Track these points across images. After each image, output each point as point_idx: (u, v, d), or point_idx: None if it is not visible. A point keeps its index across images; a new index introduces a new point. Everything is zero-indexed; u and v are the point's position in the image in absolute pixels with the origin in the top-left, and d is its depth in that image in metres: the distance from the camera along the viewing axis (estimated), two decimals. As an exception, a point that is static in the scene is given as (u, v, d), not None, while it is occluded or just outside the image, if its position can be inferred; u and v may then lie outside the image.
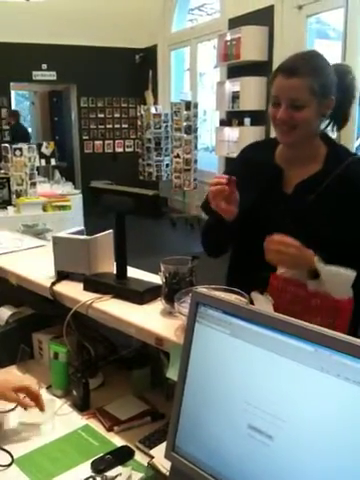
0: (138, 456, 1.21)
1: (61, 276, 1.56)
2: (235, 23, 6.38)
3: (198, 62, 8.07)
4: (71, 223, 3.84)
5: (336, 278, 1.29)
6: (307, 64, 1.39)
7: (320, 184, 1.43)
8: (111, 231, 1.57)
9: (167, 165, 7.92)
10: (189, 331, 0.96)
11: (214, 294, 0.97)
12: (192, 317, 0.95)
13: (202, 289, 1.03)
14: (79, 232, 1.64)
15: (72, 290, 1.50)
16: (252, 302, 1.26)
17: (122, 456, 1.20)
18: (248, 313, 0.87)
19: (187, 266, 1.33)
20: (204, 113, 10.58)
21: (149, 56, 8.75)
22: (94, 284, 1.47)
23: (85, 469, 1.16)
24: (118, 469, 1.16)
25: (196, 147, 7.32)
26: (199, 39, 7.77)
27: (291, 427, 0.82)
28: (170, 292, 1.31)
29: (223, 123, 6.82)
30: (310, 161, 1.48)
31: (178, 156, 7.23)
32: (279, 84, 1.39)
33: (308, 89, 1.37)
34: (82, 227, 1.70)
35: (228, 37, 6.31)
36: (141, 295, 1.39)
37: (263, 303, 1.25)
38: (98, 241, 1.55)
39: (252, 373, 0.87)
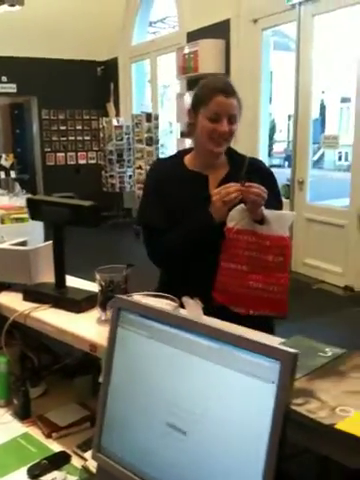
0: (75, 460, 1.24)
1: (2, 287, 1.58)
2: (193, 36, 6.50)
3: (159, 74, 8.16)
4: (30, 235, 3.84)
5: (281, 219, 1.64)
6: (234, 86, 1.68)
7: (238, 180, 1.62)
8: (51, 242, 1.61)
9: (130, 176, 7.97)
10: (111, 335, 1.00)
11: (133, 299, 1.01)
12: (114, 322, 1.00)
13: (124, 296, 1.07)
14: (21, 243, 1.67)
15: (12, 300, 1.53)
16: (183, 306, 1.32)
17: (58, 461, 1.23)
18: (162, 315, 0.93)
19: (122, 274, 1.37)
20: (170, 125, 10.67)
21: (110, 68, 8.80)
22: (33, 294, 1.50)
23: (21, 475, 1.19)
24: (53, 474, 1.19)
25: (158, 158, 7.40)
26: (159, 52, 7.87)
27: (202, 422, 0.87)
28: (105, 300, 1.35)
29: (184, 135, 6.91)
30: (221, 166, 1.77)
31: (140, 167, 7.29)
32: (221, 102, 1.63)
33: (239, 107, 1.68)
34: (25, 238, 1.73)
35: (186, 50, 6.42)
36: (78, 304, 1.43)
37: (193, 307, 1.31)
38: (39, 252, 1.58)
39: (168, 372, 0.92)
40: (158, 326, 0.93)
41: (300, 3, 5.11)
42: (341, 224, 4.94)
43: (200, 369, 0.87)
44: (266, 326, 1.64)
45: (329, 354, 1.09)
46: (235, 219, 1.63)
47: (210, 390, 0.86)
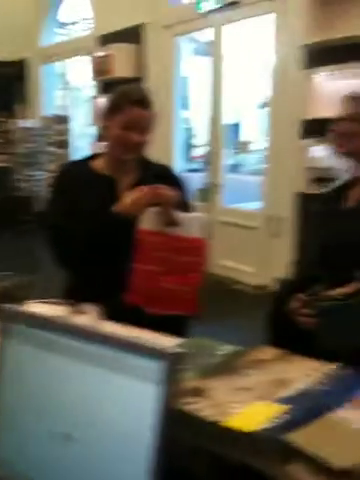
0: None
1: None
2: (107, 40, 6.46)
3: (72, 77, 8.04)
4: None
5: (193, 221, 1.69)
6: (151, 99, 1.72)
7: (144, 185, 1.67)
8: None
9: (42, 180, 7.77)
10: (-1, 346, 0.96)
11: (17, 307, 0.98)
12: (1, 333, 0.96)
13: (12, 306, 1.04)
14: None
15: None
16: (81, 312, 1.29)
17: None
18: (47, 323, 0.90)
19: (16, 283, 1.33)
20: (86, 127, 10.56)
21: (20, 70, 8.54)
22: None
23: None
24: None
25: (71, 162, 7.27)
26: (71, 54, 7.74)
27: (91, 427, 0.86)
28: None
29: (98, 138, 6.85)
30: (130, 171, 1.79)
31: (52, 171, 7.13)
32: (137, 113, 1.67)
33: (153, 119, 1.73)
34: None
35: (100, 53, 6.38)
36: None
37: (90, 312, 1.29)
38: None
39: (55, 380, 0.89)
40: (43, 334, 0.91)
41: (211, 11, 5.22)
42: (253, 226, 5.09)
43: (86, 375, 0.86)
44: (180, 327, 1.70)
45: (224, 352, 1.11)
46: (147, 221, 1.66)
47: (97, 395, 0.85)
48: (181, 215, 1.67)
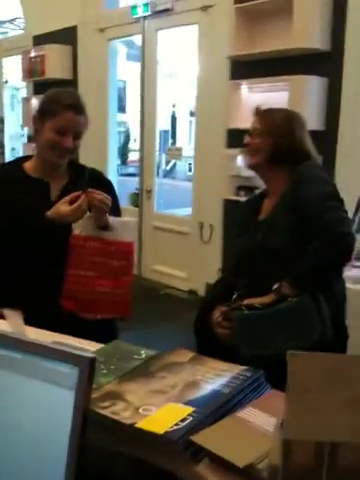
0: None
1: None
2: (40, 40, 6.36)
3: (9, 77, 7.83)
4: None
5: (125, 226, 1.73)
6: (84, 104, 1.73)
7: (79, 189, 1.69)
8: None
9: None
10: None
11: None
12: None
13: None
14: None
15: None
16: (3, 317, 1.29)
17: None
18: None
19: None
20: (22, 128, 10.32)
21: None
22: None
23: None
24: None
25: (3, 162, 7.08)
26: (5, 53, 7.56)
27: (5, 433, 0.86)
28: None
29: (31, 139, 6.72)
30: (61, 174, 1.80)
31: (-16, 172, 6.91)
32: (70, 118, 1.67)
33: (86, 124, 1.73)
34: None
35: (33, 54, 6.26)
36: None
37: (13, 318, 1.28)
38: None
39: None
40: None
41: (145, 17, 5.27)
42: (185, 231, 5.18)
43: (3, 381, 0.86)
44: (110, 330, 1.77)
45: (143, 356, 1.14)
46: (80, 226, 1.67)
47: (13, 401, 0.85)
48: (113, 219, 1.70)
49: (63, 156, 1.73)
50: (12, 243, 1.67)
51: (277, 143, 1.69)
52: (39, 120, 1.72)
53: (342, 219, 1.53)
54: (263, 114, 1.76)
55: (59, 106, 1.67)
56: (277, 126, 1.71)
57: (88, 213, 1.66)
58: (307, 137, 1.77)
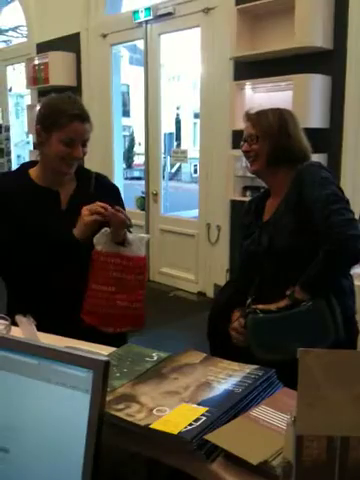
0: None
1: None
2: (43, 48, 6.40)
3: (14, 84, 7.89)
4: None
5: (140, 240, 1.77)
6: (87, 111, 1.72)
7: (87, 195, 1.76)
8: None
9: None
10: None
11: None
12: None
13: None
14: None
15: None
16: (16, 324, 1.31)
17: None
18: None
19: None
20: (27, 136, 10.40)
21: None
22: None
23: None
24: None
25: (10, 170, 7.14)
26: (8, 61, 7.62)
27: (24, 438, 0.88)
28: None
29: (35, 147, 6.76)
30: (69, 181, 1.80)
31: (-10, 180, 6.97)
32: (77, 129, 1.66)
33: (91, 129, 1.73)
34: None
35: (36, 61, 6.31)
36: None
37: (26, 324, 1.30)
38: None
39: (-13, 392, 0.91)
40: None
41: (147, 21, 5.30)
42: (192, 233, 5.19)
43: (20, 386, 0.88)
44: (123, 341, 1.72)
45: (155, 358, 1.15)
46: (101, 243, 1.71)
47: (30, 405, 0.87)
48: (129, 235, 1.74)
49: (72, 166, 1.73)
50: (24, 254, 1.68)
51: (275, 145, 1.69)
52: (44, 133, 1.68)
53: (348, 221, 1.52)
54: (256, 118, 1.74)
55: (64, 118, 1.64)
56: (272, 128, 1.70)
57: (108, 229, 1.70)
58: (302, 135, 1.76)
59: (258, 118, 1.74)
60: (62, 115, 1.65)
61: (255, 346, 1.64)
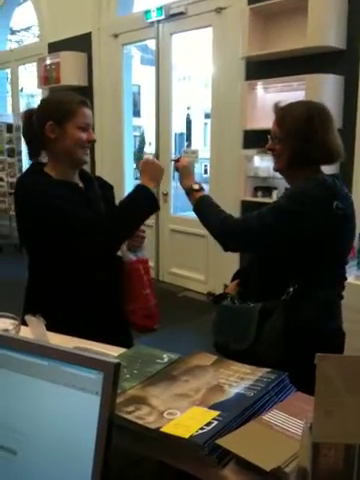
0: None
1: None
2: (55, 48, 6.43)
3: (25, 84, 7.93)
4: None
5: (145, 247, 1.93)
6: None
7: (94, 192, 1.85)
8: None
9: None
10: None
11: None
12: None
13: None
14: None
15: None
16: (26, 324, 1.30)
17: None
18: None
19: None
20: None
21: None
22: None
23: None
24: None
25: (21, 170, 7.16)
26: (20, 61, 7.65)
27: (33, 439, 0.86)
28: None
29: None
30: (77, 181, 1.83)
31: (2, 179, 7.00)
32: (87, 113, 1.73)
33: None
34: None
35: (48, 61, 6.33)
36: None
37: (36, 325, 1.29)
38: None
39: (-3, 393, 0.90)
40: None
41: (159, 21, 5.29)
42: (202, 234, 5.17)
43: (29, 387, 0.87)
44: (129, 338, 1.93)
45: (165, 360, 1.14)
46: (126, 254, 1.89)
47: (39, 407, 0.86)
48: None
49: (87, 151, 1.78)
50: (117, 220, 1.77)
51: (295, 149, 1.63)
52: (58, 127, 1.67)
53: (241, 221, 1.78)
54: (281, 116, 1.67)
55: (74, 105, 1.69)
56: (297, 131, 1.62)
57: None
58: (332, 134, 1.68)
59: (283, 116, 1.67)
60: (71, 103, 1.70)
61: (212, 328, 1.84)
